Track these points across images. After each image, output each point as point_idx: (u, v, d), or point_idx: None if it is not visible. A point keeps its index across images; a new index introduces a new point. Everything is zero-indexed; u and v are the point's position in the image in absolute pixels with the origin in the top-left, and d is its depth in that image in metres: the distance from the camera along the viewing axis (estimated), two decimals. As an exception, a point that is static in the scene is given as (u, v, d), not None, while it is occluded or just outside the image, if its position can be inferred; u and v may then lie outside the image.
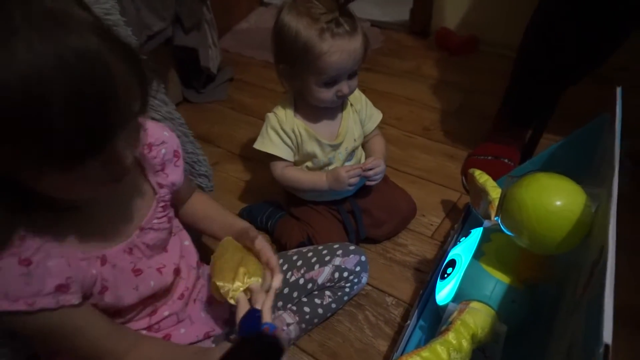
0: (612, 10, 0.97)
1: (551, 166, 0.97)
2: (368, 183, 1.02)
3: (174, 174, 0.73)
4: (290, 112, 1.00)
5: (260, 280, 0.70)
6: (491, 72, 1.78)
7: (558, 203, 0.64)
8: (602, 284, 0.43)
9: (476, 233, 0.85)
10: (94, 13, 0.50)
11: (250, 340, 0.62)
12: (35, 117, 0.41)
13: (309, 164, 1.04)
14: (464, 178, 1.27)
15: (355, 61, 0.91)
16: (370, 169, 0.99)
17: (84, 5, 0.49)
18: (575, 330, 0.55)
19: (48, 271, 0.54)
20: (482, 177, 1.01)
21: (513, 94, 1.27)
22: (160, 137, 0.72)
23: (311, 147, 1.00)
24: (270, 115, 1.01)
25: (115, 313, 0.68)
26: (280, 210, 1.15)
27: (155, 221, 0.70)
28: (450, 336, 0.70)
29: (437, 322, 0.82)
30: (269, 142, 1.00)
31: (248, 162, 1.43)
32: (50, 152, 0.44)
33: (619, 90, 0.77)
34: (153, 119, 0.84)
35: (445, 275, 0.82)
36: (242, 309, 0.67)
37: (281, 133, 0.99)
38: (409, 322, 0.86)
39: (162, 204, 0.71)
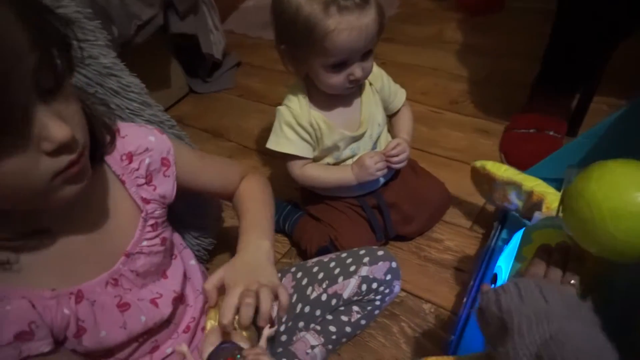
0: None
1: (610, 142, 0.82)
2: (391, 167, 0.89)
3: (164, 185, 0.62)
4: (305, 103, 0.86)
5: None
6: (521, 31, 1.61)
7: (641, 200, 0.50)
8: None
9: (516, 238, 0.71)
10: None
11: None
12: None
13: (329, 159, 0.91)
14: (503, 156, 1.13)
15: (368, 39, 0.76)
16: (394, 155, 0.87)
17: None
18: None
19: (6, 318, 0.46)
20: (499, 169, 0.86)
21: (554, 55, 1.11)
22: (144, 144, 0.60)
23: (332, 140, 0.87)
24: (282, 109, 0.87)
25: (105, 354, 0.58)
26: (298, 210, 1.03)
27: (145, 243, 0.60)
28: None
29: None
30: (285, 141, 0.87)
31: (262, 156, 1.31)
32: None
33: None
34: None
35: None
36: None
37: (298, 129, 0.86)
38: (453, 337, 0.74)
39: (151, 222, 0.61)
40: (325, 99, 0.87)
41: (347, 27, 0.73)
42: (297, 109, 0.86)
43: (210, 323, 0.59)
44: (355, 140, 0.90)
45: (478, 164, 0.91)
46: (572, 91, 1.12)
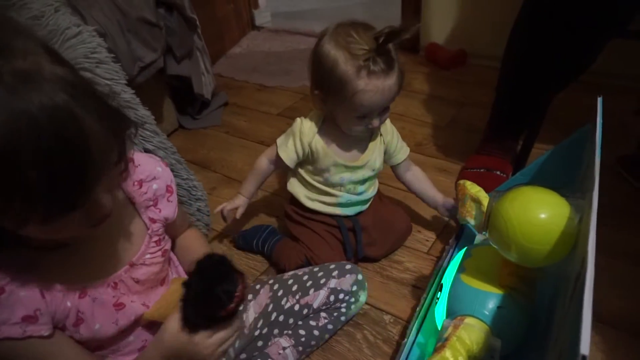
0: (592, 14, 0.98)
1: (540, 178, 0.99)
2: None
3: (167, 209, 0.73)
4: (314, 128, 1.00)
5: None
6: (481, 84, 1.80)
7: (542, 216, 0.65)
8: (581, 297, 0.44)
9: (459, 255, 0.86)
10: (69, 64, 0.50)
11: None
12: (10, 176, 0.42)
13: (319, 178, 1.04)
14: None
15: (389, 98, 0.91)
16: None
17: (57, 58, 0.49)
18: (564, 341, 0.55)
19: (19, 301, 0.55)
20: (474, 188, 1.01)
21: (500, 104, 1.29)
22: (152, 173, 0.71)
23: (327, 163, 1.01)
24: (298, 120, 1.01)
25: (98, 347, 0.68)
26: (276, 234, 1.15)
27: (147, 256, 0.70)
28: (447, 353, 0.70)
29: (435, 338, 0.82)
30: (284, 144, 1.02)
31: (244, 186, 1.44)
32: (31, 208, 0.45)
33: (599, 100, 0.78)
34: (145, 149, 0.86)
35: (436, 300, 0.83)
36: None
37: (297, 141, 1.00)
38: (406, 339, 0.86)
39: (155, 238, 0.71)
40: (338, 134, 1.00)
41: (372, 89, 0.87)
42: (306, 128, 0.99)
43: None
44: (347, 169, 1.03)
45: (461, 181, 1.06)
46: (516, 136, 1.30)
